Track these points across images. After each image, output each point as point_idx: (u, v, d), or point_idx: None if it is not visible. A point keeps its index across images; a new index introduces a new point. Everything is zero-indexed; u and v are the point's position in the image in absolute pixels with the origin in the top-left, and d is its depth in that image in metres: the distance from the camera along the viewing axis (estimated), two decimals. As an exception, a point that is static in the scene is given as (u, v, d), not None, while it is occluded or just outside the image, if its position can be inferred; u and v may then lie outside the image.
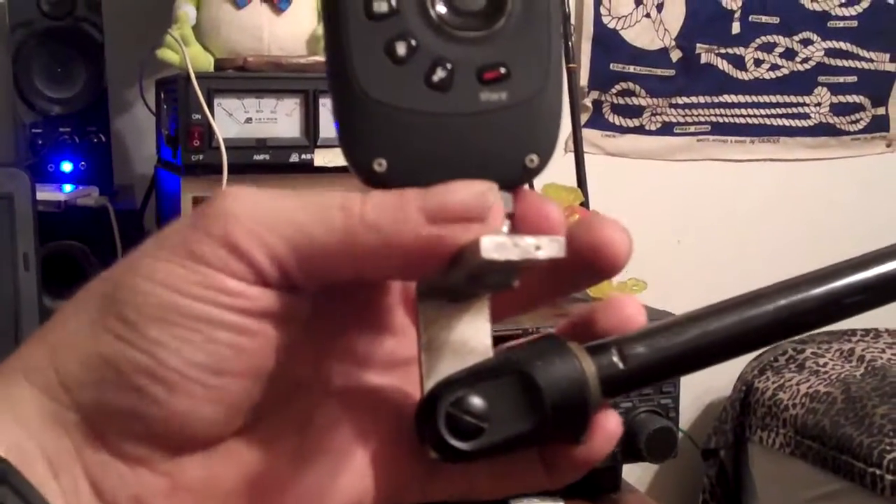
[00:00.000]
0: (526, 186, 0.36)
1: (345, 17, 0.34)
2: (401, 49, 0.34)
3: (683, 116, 2.06)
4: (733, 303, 0.38)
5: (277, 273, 0.33)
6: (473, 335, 0.36)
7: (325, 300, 0.36)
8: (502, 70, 0.35)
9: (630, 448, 1.23)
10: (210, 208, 0.33)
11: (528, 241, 0.33)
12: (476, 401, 0.33)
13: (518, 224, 0.35)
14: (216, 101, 1.29)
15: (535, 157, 0.35)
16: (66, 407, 0.33)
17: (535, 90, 0.35)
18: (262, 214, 0.33)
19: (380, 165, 0.34)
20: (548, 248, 0.33)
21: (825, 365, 1.90)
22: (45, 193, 1.45)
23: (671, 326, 0.36)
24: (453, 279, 0.34)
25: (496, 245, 0.32)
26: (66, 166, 1.58)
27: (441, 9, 0.35)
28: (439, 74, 0.34)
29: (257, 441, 0.36)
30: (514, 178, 0.35)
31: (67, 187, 1.53)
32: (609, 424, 0.36)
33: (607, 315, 0.37)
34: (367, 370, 0.38)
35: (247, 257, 0.33)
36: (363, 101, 0.34)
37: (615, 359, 0.35)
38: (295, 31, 1.44)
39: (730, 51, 2.07)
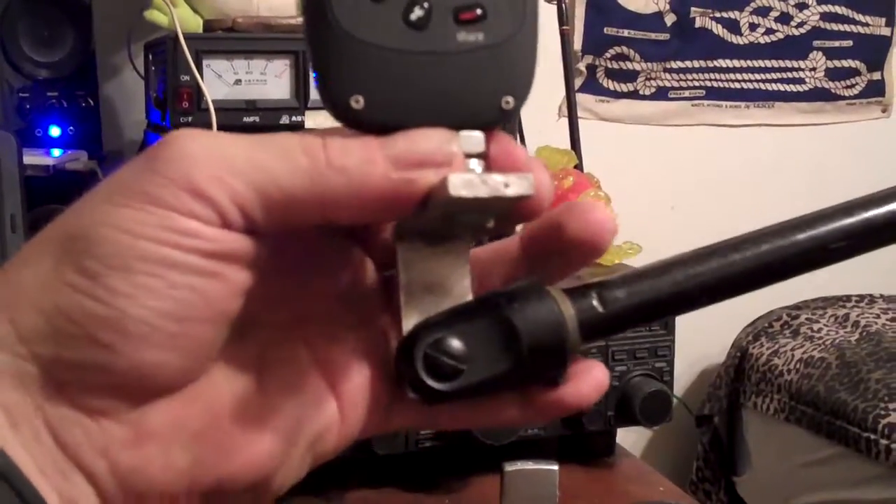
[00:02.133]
0: (499, 129, 0.36)
1: None
2: None
3: (678, 81, 2.05)
4: (717, 247, 0.37)
5: (241, 217, 0.32)
6: (453, 278, 0.36)
7: (283, 240, 0.36)
8: (478, 11, 0.35)
9: (624, 412, 1.23)
10: (166, 150, 0.32)
11: (497, 179, 0.32)
12: (454, 342, 0.33)
13: (489, 166, 0.35)
14: (205, 63, 1.27)
15: (510, 99, 0.35)
16: (23, 359, 0.32)
17: (511, 32, 0.35)
18: (223, 157, 0.32)
19: (357, 102, 0.34)
20: (516, 185, 0.33)
21: (820, 330, 1.90)
22: (34, 158, 1.44)
23: (652, 271, 0.36)
24: (428, 220, 0.34)
25: (464, 182, 0.32)
26: (55, 131, 1.56)
27: None
28: (416, 13, 0.34)
29: (220, 380, 0.35)
30: (490, 119, 0.35)
31: (56, 152, 1.52)
32: (597, 373, 0.36)
33: (573, 218, 0.36)
34: (325, 306, 0.38)
35: (210, 200, 0.32)
36: (341, 39, 0.34)
37: (595, 302, 0.35)
38: (282, 1, 1.43)
39: (724, 14, 2.05)
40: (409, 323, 0.35)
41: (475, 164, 0.34)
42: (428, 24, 0.34)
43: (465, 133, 0.34)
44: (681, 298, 0.36)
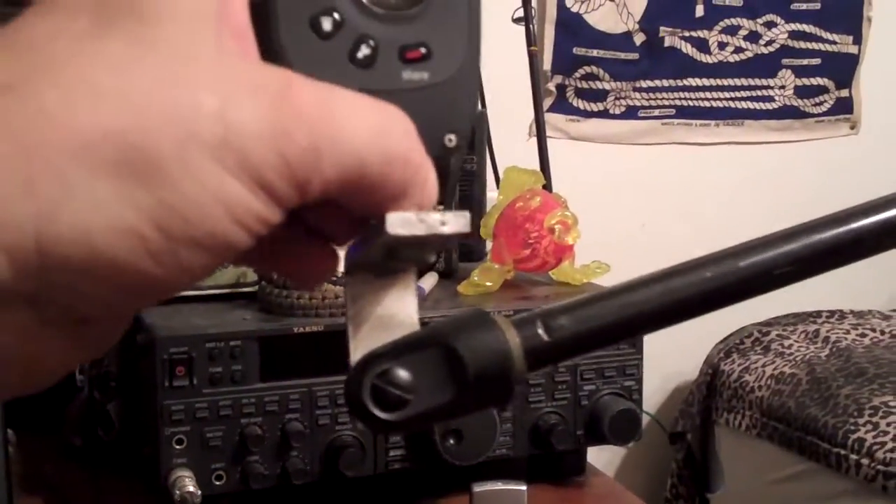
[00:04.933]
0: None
1: None
2: (326, 24, 0.35)
3: (648, 100, 2.06)
4: (661, 274, 0.37)
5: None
6: (400, 308, 0.36)
7: None
8: (423, 50, 0.36)
9: (594, 431, 1.23)
10: (303, 109, 0.31)
11: (434, 217, 0.33)
12: (401, 373, 0.34)
13: None
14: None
15: (453, 137, 0.36)
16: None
17: (455, 71, 0.36)
18: (342, 136, 0.31)
19: None
20: (453, 223, 0.33)
21: (790, 346, 1.91)
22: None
23: (596, 298, 0.36)
24: (372, 255, 0.34)
25: (402, 221, 0.33)
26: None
27: None
28: (363, 51, 0.35)
29: None
30: (433, 156, 0.35)
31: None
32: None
33: None
34: None
35: (304, 191, 0.31)
36: None
37: (540, 331, 0.35)
38: None
39: (694, 34, 2.07)
40: (356, 354, 0.35)
41: None
42: (374, 63, 0.35)
43: None
44: (625, 326, 0.36)
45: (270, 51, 0.35)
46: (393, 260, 0.35)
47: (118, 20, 0.31)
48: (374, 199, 0.33)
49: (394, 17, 0.36)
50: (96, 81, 0.30)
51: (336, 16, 0.35)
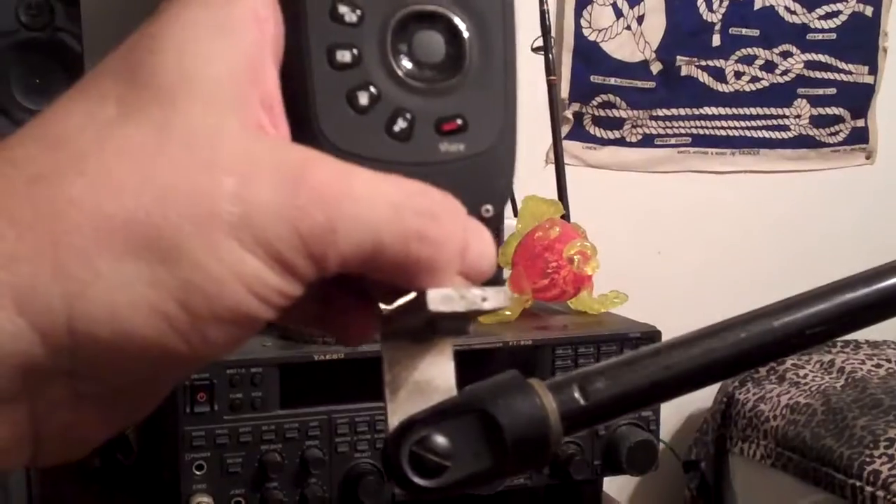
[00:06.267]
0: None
1: (309, 66, 0.35)
2: (363, 99, 0.35)
3: (664, 128, 2.07)
4: (695, 335, 0.38)
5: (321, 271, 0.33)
6: (437, 374, 0.37)
7: None
8: (460, 122, 0.36)
9: (611, 461, 1.24)
10: (320, 187, 0.32)
11: (475, 293, 0.34)
12: (439, 440, 0.34)
13: None
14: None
15: (489, 207, 0.37)
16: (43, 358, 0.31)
17: (491, 142, 0.36)
18: (357, 213, 0.32)
19: None
20: (493, 299, 0.34)
21: (805, 376, 1.91)
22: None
23: (633, 361, 0.37)
24: (410, 323, 0.35)
25: (443, 297, 0.33)
26: (46, 178, 1.57)
27: (402, 60, 0.36)
28: (400, 125, 0.36)
29: None
30: None
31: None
32: None
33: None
34: None
35: (321, 265, 0.32)
36: (326, 149, 0.35)
37: (576, 395, 0.35)
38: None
39: (710, 63, 2.08)
40: (394, 420, 0.36)
41: None
42: (411, 136, 0.36)
43: None
44: (661, 388, 0.37)
45: (307, 125, 0.35)
46: (432, 330, 0.36)
47: (143, 106, 0.32)
48: (403, 275, 0.33)
49: (430, 90, 0.36)
50: (120, 170, 0.31)
51: (372, 90, 0.35)
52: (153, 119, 0.32)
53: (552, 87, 1.71)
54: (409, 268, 0.33)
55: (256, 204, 0.31)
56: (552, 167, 1.75)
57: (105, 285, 0.31)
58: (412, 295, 0.35)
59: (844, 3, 2.15)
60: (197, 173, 0.31)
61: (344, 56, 0.36)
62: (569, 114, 1.99)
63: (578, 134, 2.01)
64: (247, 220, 0.31)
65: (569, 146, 1.95)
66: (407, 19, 0.37)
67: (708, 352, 0.37)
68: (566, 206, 1.65)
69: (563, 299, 1.40)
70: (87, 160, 0.31)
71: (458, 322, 0.35)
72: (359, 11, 0.36)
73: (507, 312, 1.33)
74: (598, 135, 2.03)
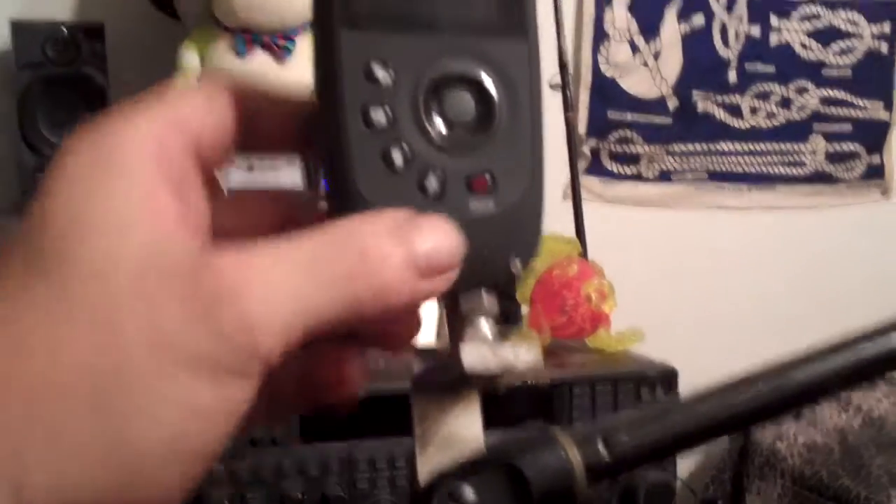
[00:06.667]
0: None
1: (345, 127, 0.36)
2: (396, 158, 0.36)
3: (681, 164, 2.08)
4: (715, 389, 0.39)
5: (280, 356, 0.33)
6: (465, 427, 0.38)
7: None
8: (490, 179, 0.37)
9: (628, 501, 1.24)
10: (225, 303, 0.31)
11: (508, 352, 0.35)
12: (467, 493, 0.35)
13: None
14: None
15: (519, 262, 0.37)
16: None
17: (520, 198, 0.37)
18: (281, 305, 0.32)
19: None
20: (525, 357, 0.35)
21: (823, 415, 1.91)
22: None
23: (656, 414, 0.38)
24: (441, 378, 0.36)
25: (477, 357, 0.34)
26: (69, 211, 1.58)
27: (435, 120, 0.37)
28: (432, 182, 0.37)
29: None
30: (500, 281, 0.37)
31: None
32: None
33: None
34: None
35: (266, 359, 0.32)
36: (362, 207, 0.36)
37: (601, 448, 0.36)
38: (298, 80, 1.46)
39: (726, 99, 2.09)
40: (423, 472, 0.37)
41: (485, 324, 0.36)
42: (442, 193, 0.37)
43: (475, 293, 0.36)
44: (682, 440, 0.38)
45: (343, 182, 0.36)
46: (462, 383, 0.37)
47: (43, 267, 0.32)
48: (362, 319, 0.34)
49: (460, 148, 0.37)
50: (30, 341, 0.31)
51: (406, 149, 0.37)
52: (53, 283, 0.31)
53: (570, 124, 1.72)
54: (362, 313, 0.33)
55: (167, 328, 0.31)
56: (570, 202, 1.77)
57: (48, 449, 0.30)
58: (445, 352, 0.36)
59: (859, 40, 2.16)
60: (102, 333, 0.31)
61: (378, 116, 0.37)
62: (586, 149, 2.00)
63: (596, 169, 2.03)
64: (165, 347, 0.31)
65: (586, 181, 1.96)
66: (439, 80, 0.38)
67: (727, 406, 0.38)
68: (584, 243, 1.66)
69: (581, 337, 1.41)
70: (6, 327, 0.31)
71: (488, 379, 0.36)
72: (393, 72, 0.37)
73: (510, 343, 1.34)
74: (616, 170, 2.04)
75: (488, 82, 0.38)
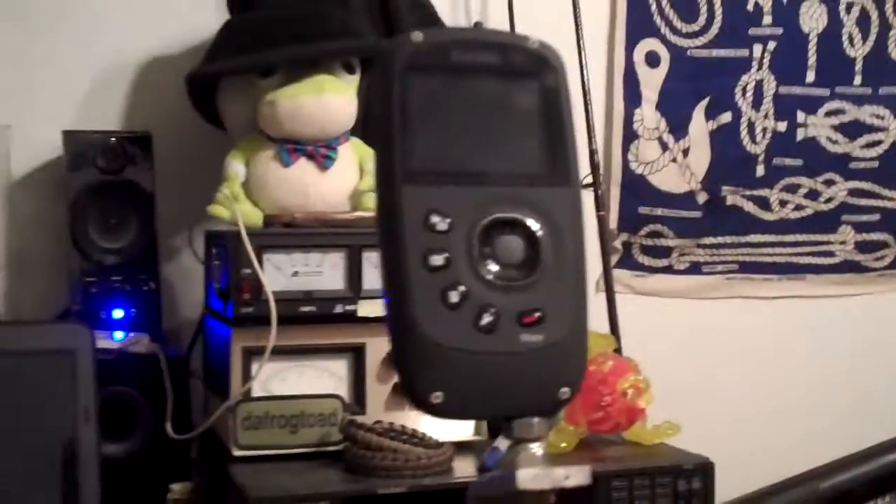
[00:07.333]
0: None
1: (406, 269, 0.41)
2: (454, 297, 0.41)
3: (711, 256, 2.12)
4: (751, 497, 0.43)
5: None
6: None
7: None
8: (539, 314, 0.42)
9: None
10: None
11: (559, 472, 0.39)
12: None
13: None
14: (265, 257, 1.36)
15: (566, 390, 0.42)
16: None
17: (567, 331, 0.42)
18: None
19: (437, 398, 0.40)
20: (575, 476, 0.39)
21: None
22: (99, 341, 1.51)
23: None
24: (496, 493, 0.40)
25: (532, 477, 0.38)
26: (118, 313, 1.64)
27: (487, 262, 0.42)
28: (486, 319, 0.41)
29: None
30: (549, 408, 0.41)
31: (118, 334, 1.59)
32: None
33: None
34: None
35: None
36: (423, 342, 0.40)
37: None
38: (339, 187, 1.52)
39: (755, 192, 2.13)
40: None
41: (537, 447, 0.40)
42: (496, 328, 0.41)
43: (527, 421, 0.41)
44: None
45: (405, 320, 0.41)
46: (514, 500, 0.41)
47: None
48: None
49: (511, 287, 0.42)
50: None
51: (462, 289, 0.41)
52: None
53: (602, 223, 1.77)
54: None
55: None
56: (603, 294, 1.81)
57: None
58: (500, 471, 0.40)
59: (885, 133, 2.21)
60: None
61: (437, 260, 0.41)
62: (618, 244, 2.04)
63: (627, 262, 2.07)
64: None
65: (618, 274, 2.00)
66: (491, 226, 0.42)
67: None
68: (618, 338, 1.69)
69: (617, 431, 1.44)
70: None
71: (540, 495, 0.40)
72: (449, 220, 0.42)
73: (563, 444, 1.37)
74: (647, 263, 2.08)
75: (535, 227, 0.43)
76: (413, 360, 0.41)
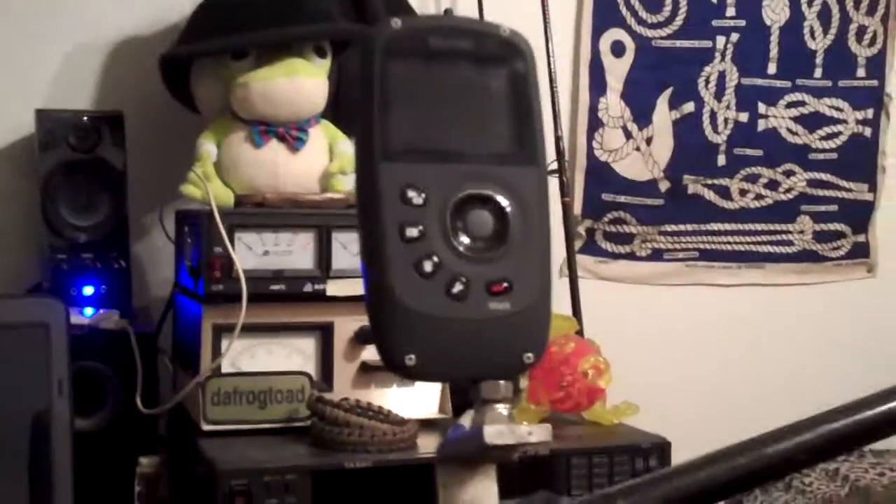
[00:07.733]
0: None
1: (383, 240, 0.44)
2: (427, 267, 0.45)
3: (672, 243, 2.16)
4: (701, 461, 0.46)
5: None
6: (482, 493, 0.45)
7: None
8: (506, 284, 0.45)
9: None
10: None
11: (523, 429, 0.42)
12: None
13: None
14: (237, 236, 1.38)
15: (531, 355, 0.45)
16: None
17: (532, 300, 0.45)
18: None
19: (410, 360, 0.44)
20: (538, 433, 0.43)
21: (811, 484, 1.97)
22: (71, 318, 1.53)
23: (648, 483, 0.45)
24: (463, 452, 0.43)
25: (497, 433, 0.42)
26: (88, 290, 1.65)
27: (459, 234, 0.45)
28: (457, 287, 0.45)
29: None
30: (514, 371, 0.45)
31: (88, 310, 1.61)
32: None
33: None
34: None
35: None
36: (398, 308, 0.44)
37: (601, 510, 0.44)
38: (309, 169, 1.55)
39: (716, 182, 2.18)
40: None
41: (503, 407, 0.44)
42: (466, 296, 0.45)
43: (494, 383, 0.44)
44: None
45: (382, 288, 0.44)
46: (483, 458, 0.45)
47: None
48: None
49: (481, 258, 0.45)
50: None
51: (435, 259, 0.45)
52: None
53: (566, 208, 1.81)
54: None
55: None
56: (566, 280, 1.84)
57: None
58: (469, 428, 0.43)
59: (844, 125, 2.26)
60: None
61: (412, 232, 0.45)
62: (581, 230, 2.08)
63: (591, 248, 2.11)
64: None
65: (581, 260, 2.04)
66: (463, 201, 0.46)
67: (711, 476, 0.45)
68: (580, 320, 1.73)
69: (578, 411, 1.48)
70: None
71: (504, 452, 0.44)
72: (424, 195, 0.45)
73: (525, 423, 1.40)
74: (610, 249, 2.12)
75: (504, 202, 0.46)
76: (389, 326, 0.44)
